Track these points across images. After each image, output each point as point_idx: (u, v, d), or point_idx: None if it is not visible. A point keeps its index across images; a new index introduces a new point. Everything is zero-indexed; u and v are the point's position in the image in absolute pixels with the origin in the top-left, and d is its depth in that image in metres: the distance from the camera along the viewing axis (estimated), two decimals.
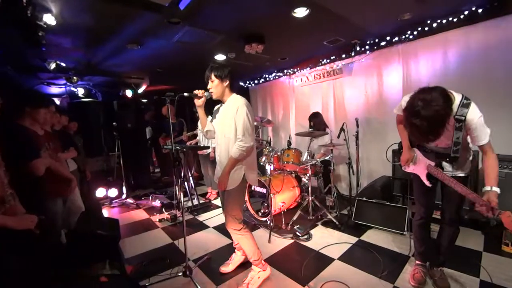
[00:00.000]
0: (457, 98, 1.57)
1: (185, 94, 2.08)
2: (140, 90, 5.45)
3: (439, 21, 3.09)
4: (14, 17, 2.07)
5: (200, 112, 2.18)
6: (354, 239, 2.92)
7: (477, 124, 1.55)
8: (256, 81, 6.27)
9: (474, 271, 2.22)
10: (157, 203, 4.43)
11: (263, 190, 3.50)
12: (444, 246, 2.05)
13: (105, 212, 4.24)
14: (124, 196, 4.77)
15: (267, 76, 5.83)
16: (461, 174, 1.89)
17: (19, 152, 1.85)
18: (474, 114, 1.55)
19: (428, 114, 1.39)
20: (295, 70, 5.17)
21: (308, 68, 4.92)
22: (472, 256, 2.46)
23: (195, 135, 4.58)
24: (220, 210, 4.07)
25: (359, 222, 3.19)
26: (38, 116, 2.11)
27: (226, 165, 2.03)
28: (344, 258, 2.56)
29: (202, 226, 3.53)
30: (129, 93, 5.31)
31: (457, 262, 2.28)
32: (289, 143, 3.67)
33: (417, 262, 2.22)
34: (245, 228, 2.17)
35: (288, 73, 5.38)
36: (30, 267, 1.47)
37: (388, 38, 3.62)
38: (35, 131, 2.13)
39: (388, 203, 3.13)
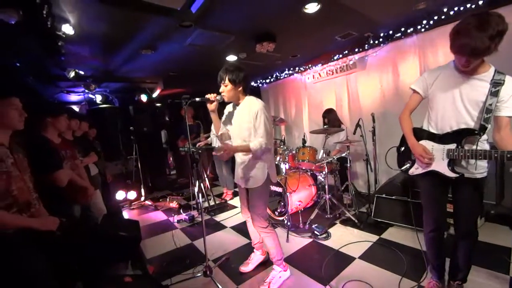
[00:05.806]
0: (492, 66, 1.50)
1: (197, 99, 2.03)
2: (155, 95, 5.56)
3: (456, 8, 2.94)
4: (35, 29, 2.16)
5: (213, 116, 2.14)
6: (374, 237, 2.86)
7: None
8: (267, 80, 6.24)
9: (503, 268, 2.12)
10: (174, 204, 4.51)
11: (279, 189, 3.48)
12: (462, 264, 1.79)
13: (125, 214, 4.35)
14: (142, 198, 4.89)
15: (278, 74, 5.79)
16: (477, 175, 1.59)
17: (43, 163, 1.91)
18: None
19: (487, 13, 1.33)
20: (307, 67, 5.11)
21: (320, 65, 4.85)
22: (501, 253, 2.34)
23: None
24: (237, 210, 4.09)
25: (379, 220, 3.12)
26: (59, 124, 2.20)
27: (239, 146, 2.01)
28: (365, 257, 2.51)
29: (219, 226, 3.56)
30: (144, 97, 5.42)
31: (485, 259, 2.18)
32: (304, 141, 3.62)
33: (432, 277, 1.97)
34: (271, 226, 2.17)
35: (299, 71, 5.32)
36: (53, 267, 1.53)
37: (402, 29, 3.50)
38: (61, 141, 2.23)
39: (409, 200, 3.02)
